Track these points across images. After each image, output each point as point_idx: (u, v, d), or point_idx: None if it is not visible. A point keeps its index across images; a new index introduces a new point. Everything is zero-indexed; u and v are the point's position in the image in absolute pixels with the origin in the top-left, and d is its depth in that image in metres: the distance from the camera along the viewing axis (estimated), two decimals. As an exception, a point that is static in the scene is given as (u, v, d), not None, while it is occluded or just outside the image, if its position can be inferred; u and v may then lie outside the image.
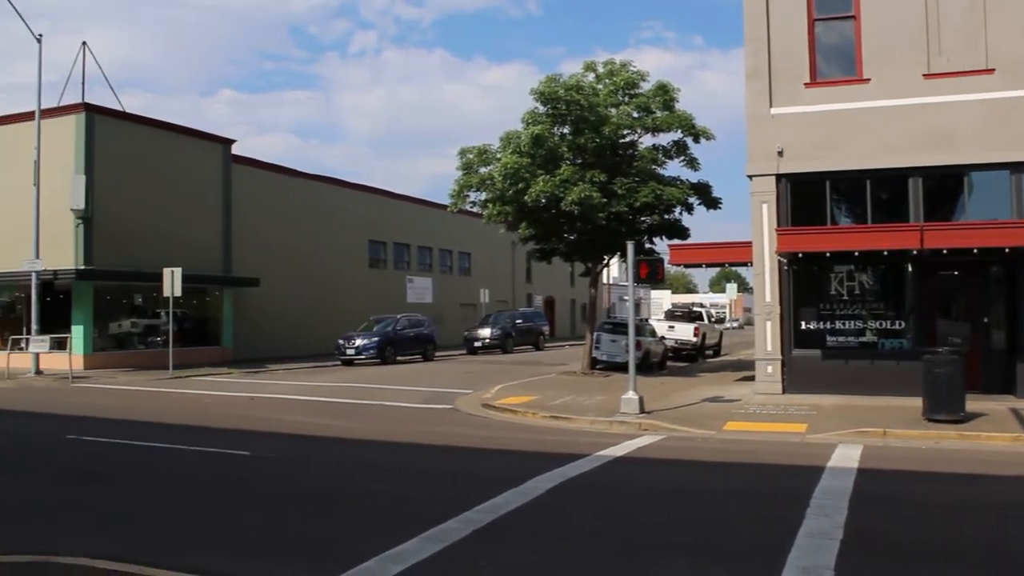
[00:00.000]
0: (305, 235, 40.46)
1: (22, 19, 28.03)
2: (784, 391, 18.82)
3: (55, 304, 30.46)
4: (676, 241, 26.35)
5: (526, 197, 24.17)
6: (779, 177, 19.14)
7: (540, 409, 17.63)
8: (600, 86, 25.85)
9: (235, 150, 37.30)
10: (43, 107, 29.16)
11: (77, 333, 30.10)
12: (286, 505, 9.46)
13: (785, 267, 19.11)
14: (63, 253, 29.75)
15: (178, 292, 28.26)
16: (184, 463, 12.21)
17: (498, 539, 7.88)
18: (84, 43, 33.14)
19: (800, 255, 18.59)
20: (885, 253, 17.66)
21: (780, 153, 18.89)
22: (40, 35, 28.54)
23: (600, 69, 26.24)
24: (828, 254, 18.24)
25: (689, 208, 26.43)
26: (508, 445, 13.75)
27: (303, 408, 19.25)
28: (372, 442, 14.32)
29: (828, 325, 19.21)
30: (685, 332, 35.59)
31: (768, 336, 19.17)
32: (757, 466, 11.92)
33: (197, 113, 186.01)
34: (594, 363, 27.06)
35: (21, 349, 28.29)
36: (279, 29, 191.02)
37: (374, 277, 46.15)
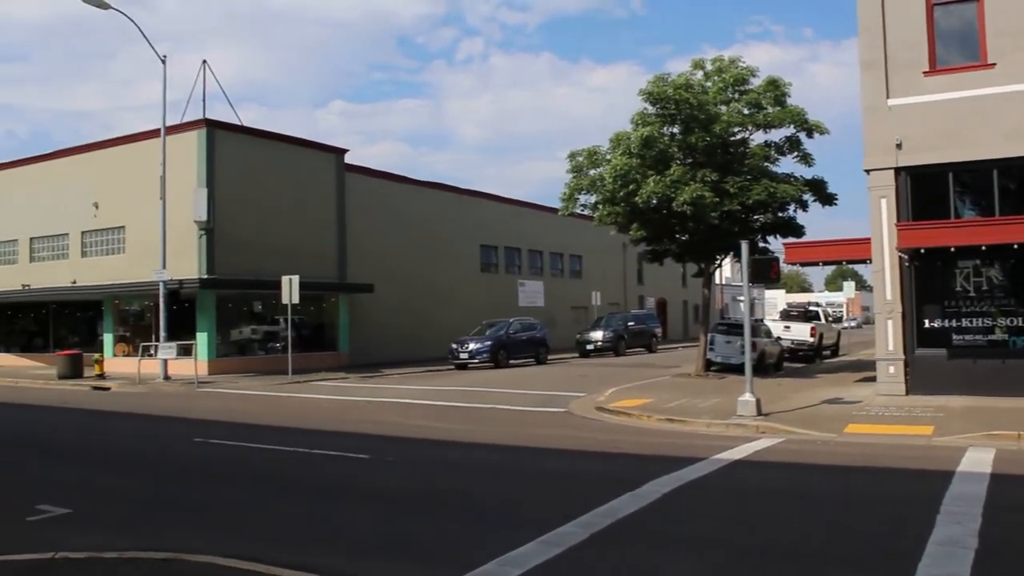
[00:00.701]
0: (417, 241, 41.01)
1: (149, 43, 29.25)
2: (907, 392, 18.20)
3: (181, 312, 31.61)
4: (791, 239, 25.75)
5: (637, 198, 23.99)
6: (898, 170, 18.52)
7: (655, 412, 17.45)
8: (709, 84, 25.46)
9: (347, 159, 38.11)
10: (168, 124, 30.32)
11: (201, 340, 31.18)
12: (405, 507, 9.58)
13: (906, 263, 18.47)
14: (188, 263, 30.88)
15: (296, 299, 28.98)
16: (306, 466, 12.49)
17: (616, 543, 7.81)
18: (204, 62, 34.39)
19: (922, 251, 17.94)
20: (1016, 247, 16.90)
21: (899, 145, 18.28)
22: (165, 56, 29.70)
23: (709, 66, 25.84)
24: (953, 249, 17.56)
25: (803, 205, 25.78)
26: (623, 448, 13.64)
27: (419, 412, 19.49)
28: (487, 445, 14.39)
29: (953, 323, 18.47)
30: (801, 332, 34.74)
31: (889, 335, 18.57)
32: (881, 470, 11.52)
33: (309, 124, 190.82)
34: (708, 365, 26.65)
35: (151, 355, 29.45)
36: (387, 40, 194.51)
37: (486, 281, 46.47)
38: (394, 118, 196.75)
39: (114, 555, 7.26)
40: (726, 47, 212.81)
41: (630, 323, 44.67)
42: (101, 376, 30.15)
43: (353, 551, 7.76)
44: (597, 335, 42.06)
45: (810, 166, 25.87)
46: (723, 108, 24.95)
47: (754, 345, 18.58)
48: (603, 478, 11.10)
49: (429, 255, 41.82)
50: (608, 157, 25.23)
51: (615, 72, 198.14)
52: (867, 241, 19.19)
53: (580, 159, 26.14)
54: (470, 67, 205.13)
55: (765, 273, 17.59)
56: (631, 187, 24.10)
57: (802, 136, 25.38)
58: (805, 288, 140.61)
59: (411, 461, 12.81)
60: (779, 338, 31.73)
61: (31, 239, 38.61)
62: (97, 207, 35.02)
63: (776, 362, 29.00)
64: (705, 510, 9.30)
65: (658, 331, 47.70)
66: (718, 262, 28.20)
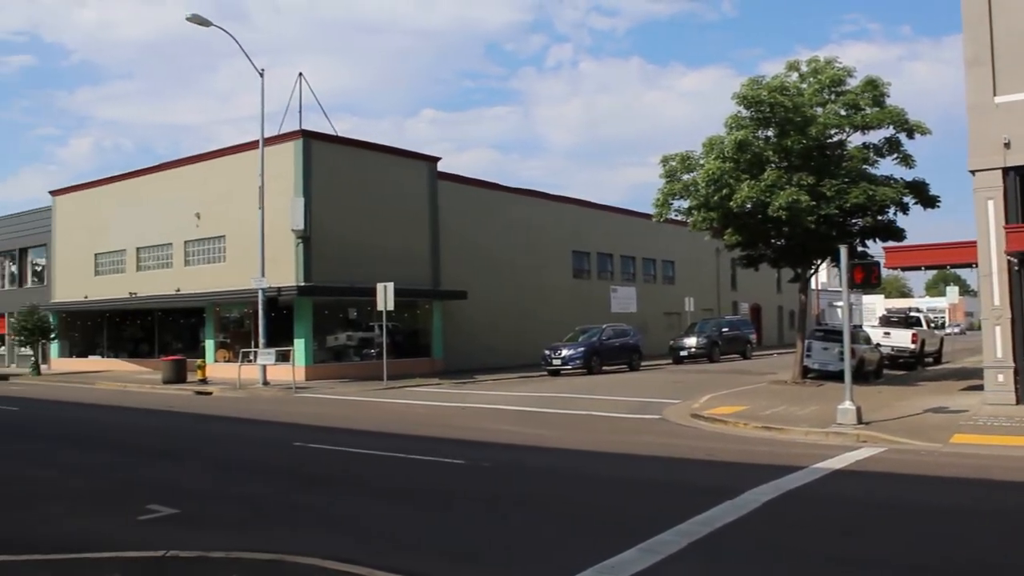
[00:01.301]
0: (510, 247, 41.19)
1: (247, 57, 30.09)
2: (1018, 401, 17.54)
3: (279, 319, 32.31)
4: (891, 243, 25.07)
5: (731, 203, 23.66)
6: (1006, 171, 17.88)
7: (751, 419, 17.18)
8: (804, 85, 24.97)
9: (438, 167, 38.51)
10: (265, 136, 31.07)
11: (299, 346, 31.84)
12: (501, 512, 9.63)
13: (1015, 267, 17.82)
14: (285, 271, 31.58)
15: (391, 306, 29.37)
16: (403, 470, 12.64)
17: (716, 552, 7.73)
18: (300, 74, 35.06)
19: (1032, 254, 17.30)
20: None
21: (1007, 145, 17.64)
22: (263, 70, 30.46)
23: (804, 68, 25.34)
24: (1065, 252, 16.89)
25: (904, 208, 25.05)
26: (720, 456, 13.47)
27: (513, 418, 19.55)
28: (582, 451, 14.36)
29: (1067, 329, 17.75)
30: (902, 338, 33.77)
31: (998, 342, 17.92)
32: (991, 482, 11.12)
33: (400, 133, 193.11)
34: (805, 372, 26.12)
35: (250, 361, 30.19)
36: (476, 48, 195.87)
37: (578, 287, 46.42)
38: (484, 125, 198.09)
39: (221, 555, 7.47)
40: (820, 47, 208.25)
41: (724, 329, 44.10)
42: (203, 381, 31.05)
43: (450, 555, 7.82)
44: (691, 341, 41.63)
45: (911, 168, 25.12)
46: (819, 110, 24.45)
47: (853, 352, 18.13)
48: (700, 486, 10.98)
49: (522, 262, 41.96)
50: (701, 162, 24.94)
51: (705, 76, 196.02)
52: (972, 244, 18.57)
53: (673, 164, 25.88)
54: (559, 73, 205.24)
55: (865, 278, 17.17)
56: (725, 192, 23.79)
57: (902, 137, 24.66)
58: (904, 293, 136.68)
59: (506, 467, 12.86)
60: (878, 345, 30.94)
61: (138, 249, 39.99)
62: (199, 217, 36.10)
63: (876, 369, 28.29)
64: (806, 520, 9.11)
65: (752, 337, 46.99)
66: (815, 267, 27.62)
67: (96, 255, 42.75)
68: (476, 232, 39.45)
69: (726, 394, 22.64)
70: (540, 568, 7.37)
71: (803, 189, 23.00)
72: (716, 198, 24.07)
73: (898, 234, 25.47)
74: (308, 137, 32.90)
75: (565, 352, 34.60)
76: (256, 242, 30.14)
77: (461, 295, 37.13)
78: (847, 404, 15.72)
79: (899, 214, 25.35)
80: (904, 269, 23.79)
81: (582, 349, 34.87)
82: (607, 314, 45.76)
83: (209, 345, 36.50)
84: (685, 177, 25.67)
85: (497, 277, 40.06)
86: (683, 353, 41.20)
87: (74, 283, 43.61)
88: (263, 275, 29.75)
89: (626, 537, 7.94)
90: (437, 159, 38.51)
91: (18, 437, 17.86)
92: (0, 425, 20.05)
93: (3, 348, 50.35)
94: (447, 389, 28.50)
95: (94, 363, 43.57)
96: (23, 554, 7.70)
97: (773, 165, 24.24)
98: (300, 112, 35.17)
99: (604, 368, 35.38)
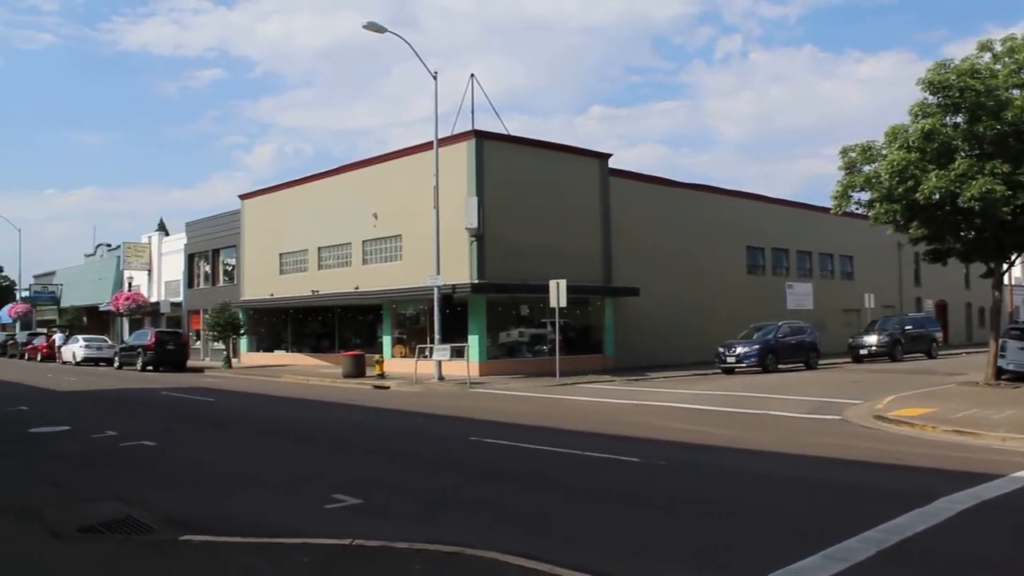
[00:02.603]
0: (682, 243, 40.71)
1: (421, 61, 30.81)
2: None
3: (453, 315, 33.02)
4: (1097, 235, 23.31)
5: (917, 195, 22.54)
6: None
7: (940, 422, 16.33)
8: (998, 66, 23.46)
9: (609, 164, 38.41)
10: (439, 137, 31.78)
11: (473, 342, 32.44)
12: (678, 512, 9.52)
13: None
14: (460, 269, 32.22)
15: (563, 303, 29.52)
16: (577, 467, 12.66)
17: (908, 563, 7.38)
18: (472, 75, 35.66)
19: None
20: None
21: None
22: (436, 73, 31.14)
23: (998, 47, 23.81)
24: None
25: (1112, 197, 23.26)
26: (906, 460, 12.86)
27: (686, 416, 19.30)
28: (759, 452, 14.02)
29: None
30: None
31: None
32: None
33: (569, 131, 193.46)
34: (999, 373, 24.60)
35: (426, 357, 30.98)
36: (643, 43, 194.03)
37: (752, 283, 45.41)
38: (652, 120, 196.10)
39: (404, 545, 7.66)
40: (1014, 25, 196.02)
41: (907, 327, 42.19)
42: (381, 376, 32.06)
43: (629, 554, 7.76)
44: (871, 339, 40.08)
45: (1121, 153, 23.29)
46: (1015, 92, 22.96)
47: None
48: (886, 492, 10.51)
49: (694, 257, 41.40)
50: (884, 152, 23.87)
51: (884, 62, 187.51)
52: None
53: (853, 155, 24.88)
54: (729, 65, 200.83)
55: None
56: (910, 183, 22.68)
57: (1115, 118, 22.85)
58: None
59: (682, 466, 12.70)
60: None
61: (319, 248, 41.69)
62: (376, 218, 37.31)
63: (1081, 371, 26.37)
64: (1007, 533, 8.57)
65: (938, 335, 44.83)
66: (1010, 261, 26.00)
67: (281, 255, 44.85)
68: (648, 228, 39.15)
69: (911, 395, 21.63)
70: (720, 571, 7.24)
71: (997, 178, 21.67)
72: (900, 190, 22.99)
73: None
74: (481, 137, 33.44)
75: (740, 350, 33.93)
76: (431, 241, 30.87)
77: (633, 292, 36.94)
78: (1049, 407, 14.75)
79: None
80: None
81: (757, 347, 34.10)
82: (782, 311, 44.67)
83: (386, 341, 37.67)
84: (866, 168, 24.64)
85: (669, 273, 39.65)
86: (863, 352, 39.72)
87: (261, 282, 45.93)
88: (438, 273, 30.44)
89: (809, 542, 7.70)
90: (608, 156, 38.41)
91: (215, 427, 18.93)
92: (198, 416, 21.26)
93: (198, 343, 53.51)
94: (619, 386, 28.41)
95: (279, 357, 45.74)
96: (224, 536, 8.17)
97: (963, 153, 22.92)
98: (472, 113, 35.80)
99: (780, 366, 34.49)
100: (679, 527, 8.81)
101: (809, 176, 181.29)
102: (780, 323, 36.87)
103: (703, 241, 42.15)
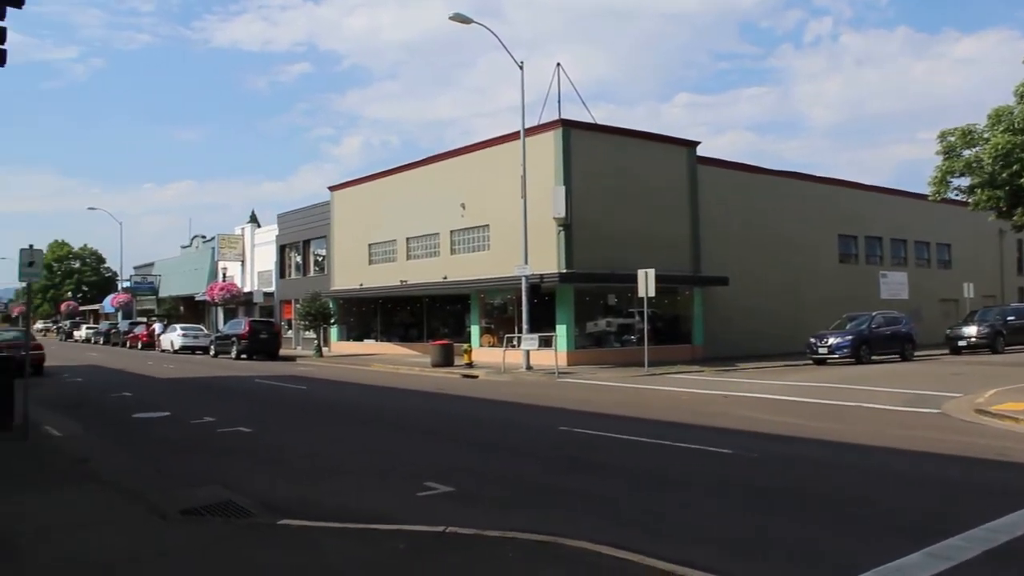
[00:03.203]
0: (771, 232, 40.10)
1: (508, 52, 30.92)
2: None
3: (541, 305, 33.06)
4: None
5: (1023, 180, 21.81)
6: None
7: (1047, 416, 15.75)
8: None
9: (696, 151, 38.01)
10: (525, 126, 31.81)
11: (561, 332, 32.45)
12: (773, 506, 9.37)
13: None
14: (547, 258, 32.26)
15: (652, 292, 29.34)
16: (668, 458, 12.58)
17: (1017, 563, 7.13)
18: (558, 64, 35.86)
19: None
20: None
21: None
22: (522, 63, 31.16)
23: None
24: None
25: None
26: (1014, 456, 12.38)
27: (777, 407, 19.00)
28: (854, 445, 13.71)
29: None
30: None
31: None
32: None
33: (654, 119, 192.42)
34: (1109, 364, 23.72)
35: (514, 346, 31.11)
36: (729, 28, 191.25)
37: (844, 272, 44.51)
38: (740, 107, 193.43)
39: (496, 534, 7.73)
40: None
41: (1010, 317, 40.71)
42: (469, 365, 32.29)
43: (721, 547, 7.68)
44: (971, 330, 38.81)
45: None
46: None
47: None
48: (991, 489, 10.17)
49: (784, 246, 40.74)
50: (986, 136, 23.14)
51: (984, 41, 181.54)
52: None
53: (952, 139, 24.21)
54: (818, 48, 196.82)
55: None
56: (1015, 168, 21.94)
57: None
58: None
59: (775, 458, 12.49)
60: None
61: (407, 239, 42.18)
62: (464, 208, 37.56)
63: None
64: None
65: (1043, 326, 43.26)
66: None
67: (370, 245, 45.51)
68: (737, 216, 38.66)
69: (1015, 388, 20.88)
70: (817, 567, 7.10)
71: (1109, 163, 20.86)
72: (1004, 175, 22.27)
73: None
74: (567, 126, 33.39)
75: (832, 340, 33.27)
76: (518, 230, 30.96)
77: (722, 281, 36.54)
78: None
79: None
80: None
81: (850, 337, 33.39)
82: (876, 301, 43.71)
83: (474, 330, 37.93)
84: (966, 153, 23.95)
85: (759, 262, 39.09)
86: (962, 343, 38.50)
87: (350, 272, 46.68)
88: (526, 263, 30.51)
89: (909, 539, 7.52)
90: (696, 143, 38.00)
91: (307, 415, 19.29)
92: (291, 403, 21.71)
93: (290, 332, 54.64)
94: (708, 376, 28.12)
95: (368, 346, 46.45)
96: (321, 521, 8.34)
97: (1074, 136, 22.11)
98: (559, 102, 35.83)
99: (874, 358, 33.72)
100: (773, 520, 8.68)
101: (902, 162, 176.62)
102: (874, 313, 36.02)
103: (793, 229, 41.43)
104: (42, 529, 8.29)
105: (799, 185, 42.97)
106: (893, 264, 48.36)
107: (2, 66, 16.47)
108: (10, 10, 16.37)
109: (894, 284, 47.44)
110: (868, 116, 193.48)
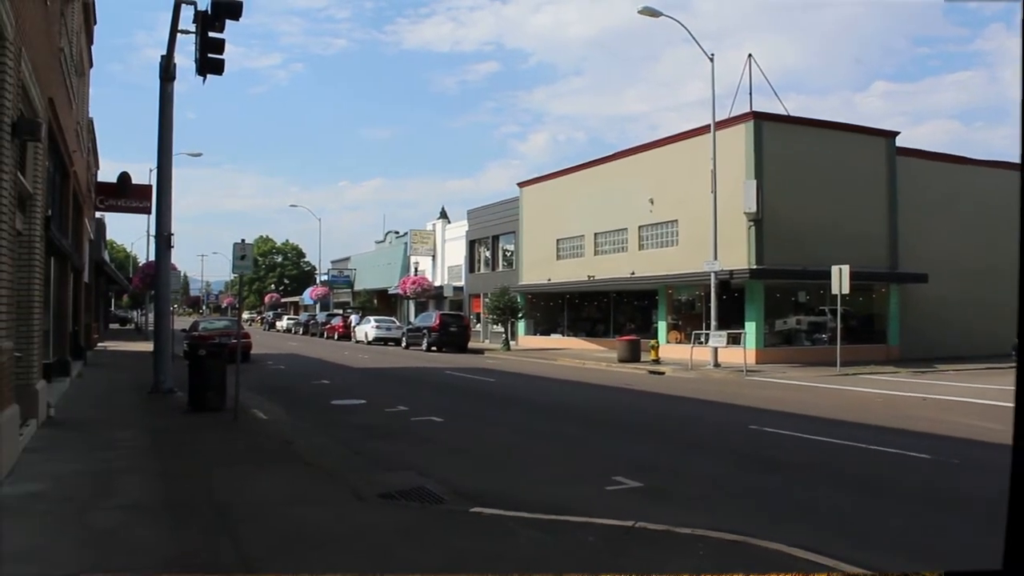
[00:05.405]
0: (977, 226, 37.90)
1: (697, 43, 30.62)
2: None
3: (729, 301, 32.60)
4: None
5: None
6: None
7: None
8: None
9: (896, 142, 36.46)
10: (716, 119, 31.41)
11: (750, 329, 31.91)
12: (972, 515, 9.02)
13: None
14: (737, 254, 31.76)
15: (846, 290, 28.41)
16: (860, 460, 12.26)
17: None
18: (750, 55, 35.00)
19: None
20: None
21: None
22: (712, 55, 30.80)
23: None
24: None
25: None
26: None
27: (980, 411, 18.11)
28: (1067, 454, 12.92)
29: None
30: None
31: None
32: None
33: (849, 109, 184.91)
34: None
35: (701, 343, 30.83)
36: (931, 10, 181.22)
37: (1060, 272, 41.56)
38: (942, 95, 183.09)
39: (686, 531, 7.75)
40: None
41: None
42: (656, 361, 32.19)
43: (911, 555, 7.49)
44: None
45: None
46: None
47: None
48: None
49: (991, 241, 38.32)
50: None
51: None
52: None
53: None
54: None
55: None
56: None
57: None
58: None
59: (978, 465, 11.95)
60: None
61: (595, 234, 42.38)
62: (652, 203, 37.42)
63: None
64: None
65: None
66: None
67: (557, 240, 45.98)
68: (938, 210, 36.78)
69: None
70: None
71: None
72: None
73: None
74: (759, 119, 32.74)
75: (1044, 343, 31.22)
76: (707, 225, 30.64)
77: (922, 278, 34.91)
78: None
79: None
80: None
81: (1066, 340, 31.23)
82: (1098, 301, 40.56)
83: (661, 326, 37.76)
84: None
85: (963, 258, 37.04)
86: None
87: (538, 267, 47.31)
88: (715, 258, 30.15)
89: None
90: (895, 134, 36.46)
91: (496, 406, 19.80)
92: (480, 395, 22.31)
93: (478, 325, 55.91)
94: (904, 378, 27.02)
95: (555, 341, 46.98)
96: (512, 511, 8.61)
97: None
98: (750, 94, 35.14)
99: (1095, 362, 31.39)
100: (970, 530, 8.37)
101: None
102: (1095, 314, 33.53)
103: (1002, 223, 38.97)
104: (257, 504, 8.94)
105: (1008, 175, 40.38)
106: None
107: (220, 74, 17.81)
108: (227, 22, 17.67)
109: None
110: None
